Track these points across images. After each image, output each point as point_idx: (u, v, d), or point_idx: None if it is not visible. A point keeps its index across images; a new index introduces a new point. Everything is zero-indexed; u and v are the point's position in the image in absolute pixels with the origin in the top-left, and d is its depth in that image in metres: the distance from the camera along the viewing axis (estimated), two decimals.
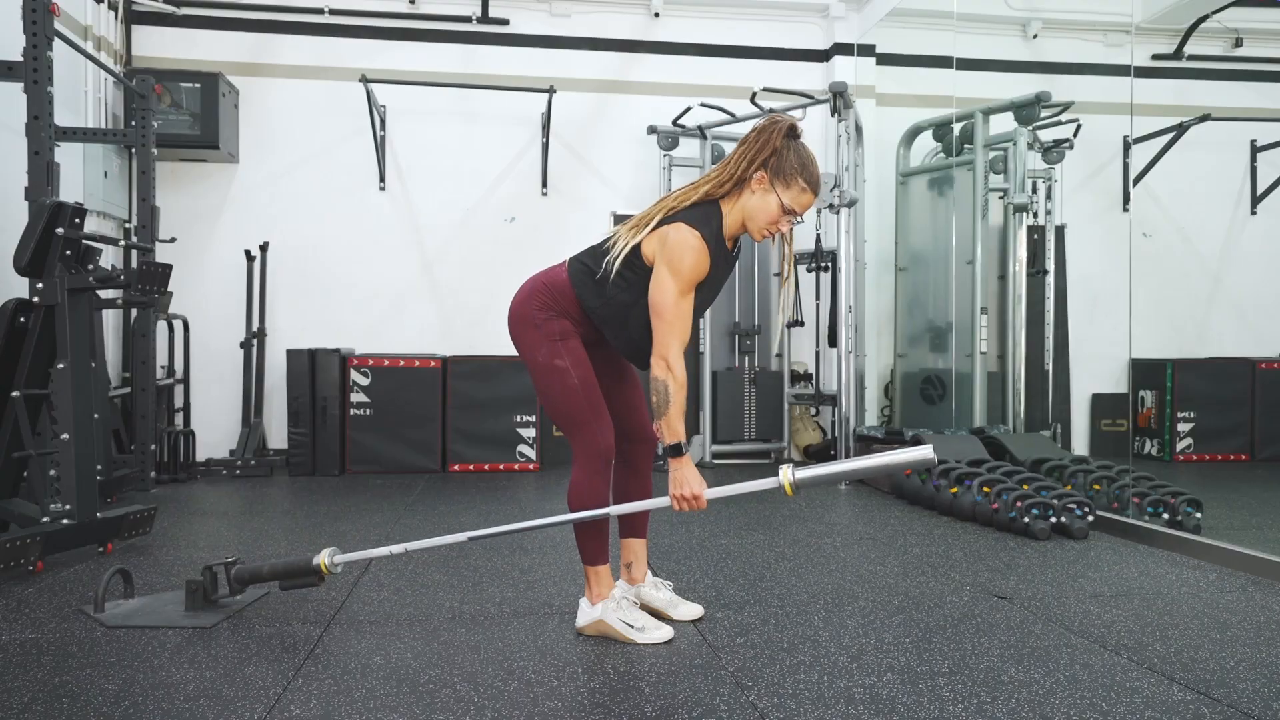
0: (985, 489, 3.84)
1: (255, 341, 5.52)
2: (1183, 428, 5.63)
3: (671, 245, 2.19)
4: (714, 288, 2.35)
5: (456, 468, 5.41)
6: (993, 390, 5.24)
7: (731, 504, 4.36)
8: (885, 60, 6.22)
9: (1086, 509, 3.64)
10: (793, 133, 2.26)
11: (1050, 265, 5.47)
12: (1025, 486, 3.79)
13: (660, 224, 2.24)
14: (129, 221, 5.37)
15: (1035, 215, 5.43)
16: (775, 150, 2.23)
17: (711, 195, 2.28)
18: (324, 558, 2.45)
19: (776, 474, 2.20)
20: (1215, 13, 5.31)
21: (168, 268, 3.34)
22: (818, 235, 5.60)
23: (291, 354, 5.29)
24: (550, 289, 2.34)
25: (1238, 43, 5.55)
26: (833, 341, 5.32)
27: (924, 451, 2.12)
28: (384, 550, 2.45)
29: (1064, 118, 5.49)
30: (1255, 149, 5.54)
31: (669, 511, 4.09)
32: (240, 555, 2.65)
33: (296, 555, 2.66)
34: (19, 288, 3.32)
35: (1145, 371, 5.75)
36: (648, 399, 2.33)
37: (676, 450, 2.22)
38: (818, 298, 5.75)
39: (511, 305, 2.39)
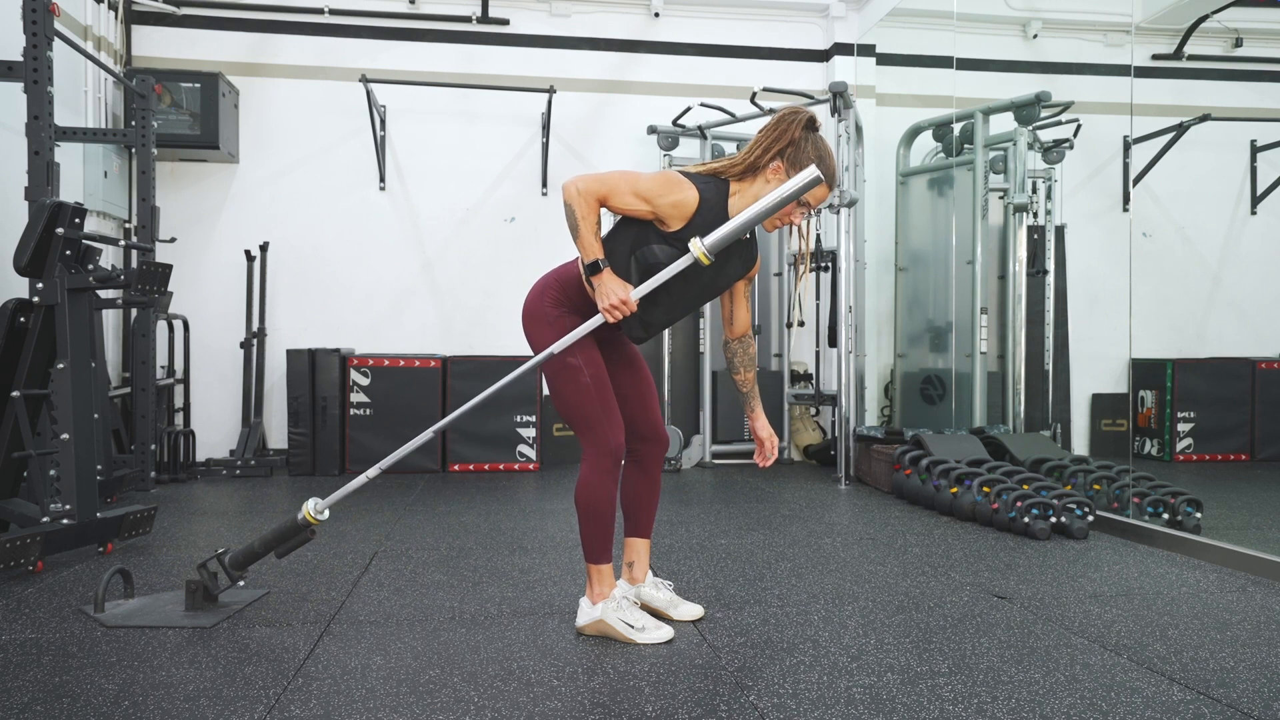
0: (985, 489, 3.84)
1: (255, 341, 5.52)
2: (1183, 428, 5.63)
3: (661, 172, 2.22)
4: (712, 270, 2.32)
5: (456, 468, 5.41)
6: (993, 390, 5.24)
7: (731, 504, 4.36)
8: (885, 60, 6.22)
9: (1086, 509, 3.64)
10: (812, 125, 2.27)
11: (1050, 265, 5.47)
12: (1025, 486, 3.79)
13: None
14: (129, 221, 5.38)
15: (1035, 215, 5.43)
16: (793, 141, 2.24)
17: (721, 172, 2.29)
18: (308, 510, 2.42)
19: (689, 251, 2.21)
20: (1215, 13, 5.30)
21: (168, 268, 3.33)
22: (818, 235, 5.60)
23: (291, 354, 5.29)
24: (562, 285, 2.36)
25: (1238, 43, 5.55)
26: (833, 341, 5.32)
27: (808, 172, 2.17)
28: (361, 479, 2.43)
29: (1064, 118, 5.48)
30: (1255, 149, 5.54)
31: (669, 511, 4.10)
32: (228, 545, 2.64)
33: (280, 521, 2.64)
34: (19, 288, 3.33)
35: (1145, 371, 5.75)
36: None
37: (595, 268, 2.22)
38: (818, 298, 5.75)
39: (525, 302, 2.41)
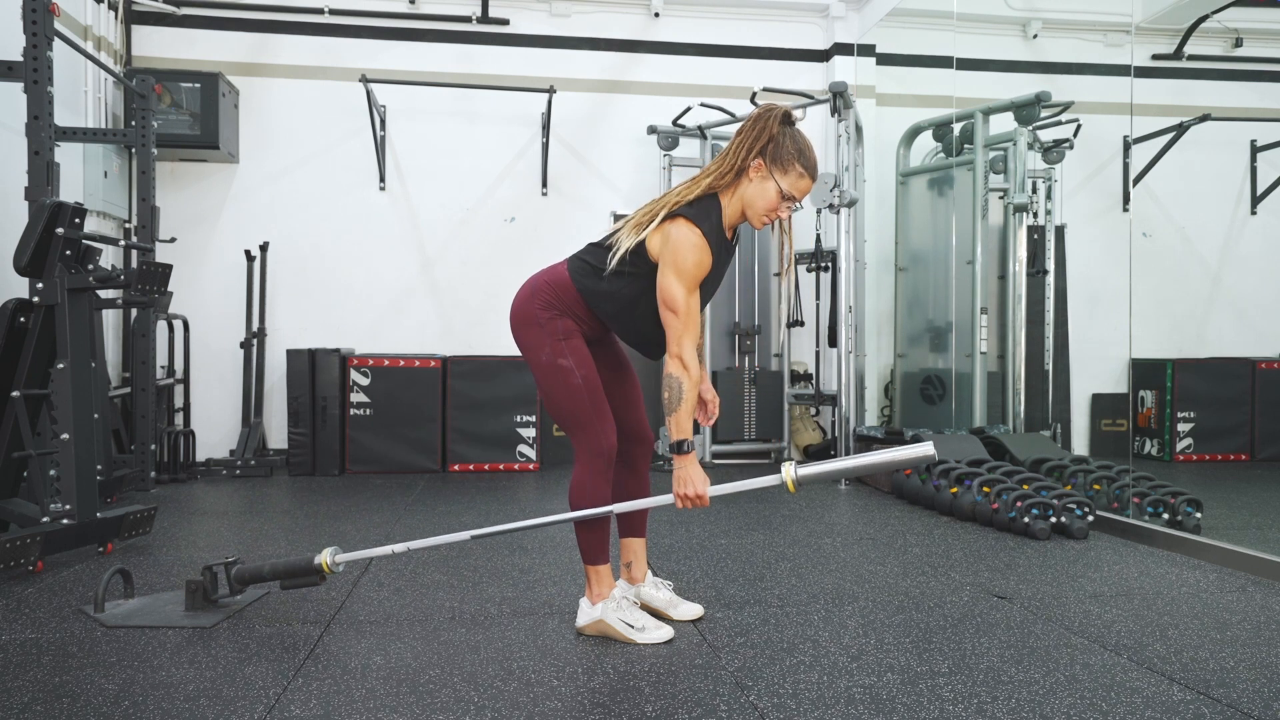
0: (985, 489, 3.84)
1: (255, 341, 5.52)
2: (1183, 428, 5.63)
3: (675, 244, 2.20)
4: (716, 279, 2.35)
5: (456, 468, 5.41)
6: (993, 390, 5.24)
7: (731, 504, 4.36)
8: (885, 60, 6.22)
9: (1086, 509, 3.64)
10: (788, 119, 2.27)
11: (1050, 265, 5.47)
12: (1025, 486, 3.79)
13: (664, 220, 2.25)
14: (129, 221, 5.38)
15: (1035, 215, 5.43)
16: (772, 137, 2.24)
17: (713, 189, 2.28)
18: (325, 557, 2.45)
19: (779, 471, 2.20)
20: (1215, 13, 5.30)
21: (168, 268, 3.33)
22: (818, 235, 5.60)
23: (291, 354, 5.29)
24: (552, 287, 2.34)
25: (1238, 43, 5.55)
26: (833, 341, 5.32)
27: (925, 448, 2.12)
28: (385, 549, 2.45)
29: (1064, 118, 5.48)
30: (1255, 149, 5.54)
31: (669, 511, 4.10)
32: (240, 555, 2.65)
33: (297, 555, 2.65)
34: (19, 288, 3.32)
35: (1145, 371, 5.75)
36: (658, 394, 2.33)
37: (680, 447, 2.22)
38: (818, 298, 5.75)
39: (513, 305, 2.39)
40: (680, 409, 2.19)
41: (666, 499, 2.27)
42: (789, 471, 2.18)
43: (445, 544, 2.47)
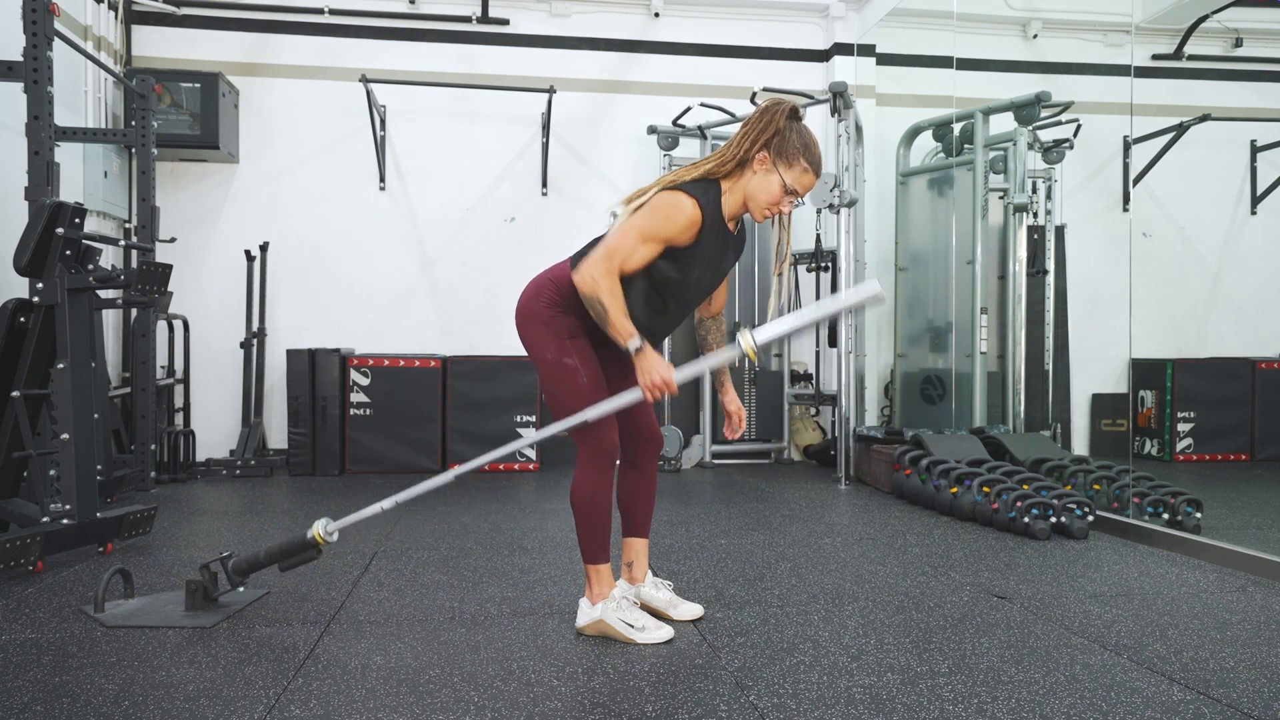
0: (985, 489, 3.84)
1: (255, 341, 5.52)
2: (1183, 428, 5.63)
3: (658, 201, 2.21)
4: (714, 269, 2.34)
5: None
6: (993, 390, 5.24)
7: (731, 504, 4.36)
8: (885, 60, 6.22)
9: (1086, 509, 3.64)
10: (795, 114, 2.27)
11: (1050, 265, 5.47)
12: (1025, 486, 3.79)
13: (658, 193, 2.25)
14: (129, 221, 5.38)
15: (1035, 215, 5.43)
16: (778, 131, 2.24)
17: (712, 174, 2.28)
18: (318, 529, 2.44)
19: (738, 343, 2.19)
20: (1215, 13, 5.31)
21: (168, 268, 3.33)
22: (818, 235, 5.60)
23: (291, 354, 5.29)
24: (556, 285, 2.35)
25: (1238, 43, 5.55)
26: (833, 341, 5.32)
27: (872, 285, 2.17)
28: (374, 508, 2.43)
29: (1064, 118, 5.48)
30: (1255, 149, 5.54)
31: (670, 511, 4.10)
32: (234, 550, 2.65)
33: (289, 535, 2.65)
34: (19, 288, 3.32)
35: (1145, 371, 5.75)
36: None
37: (633, 345, 2.19)
38: (818, 298, 5.75)
39: (519, 303, 2.40)
40: (610, 318, 2.17)
41: (635, 394, 2.23)
42: (746, 340, 2.18)
43: (431, 489, 2.47)
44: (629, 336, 2.18)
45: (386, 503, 2.44)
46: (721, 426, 5.88)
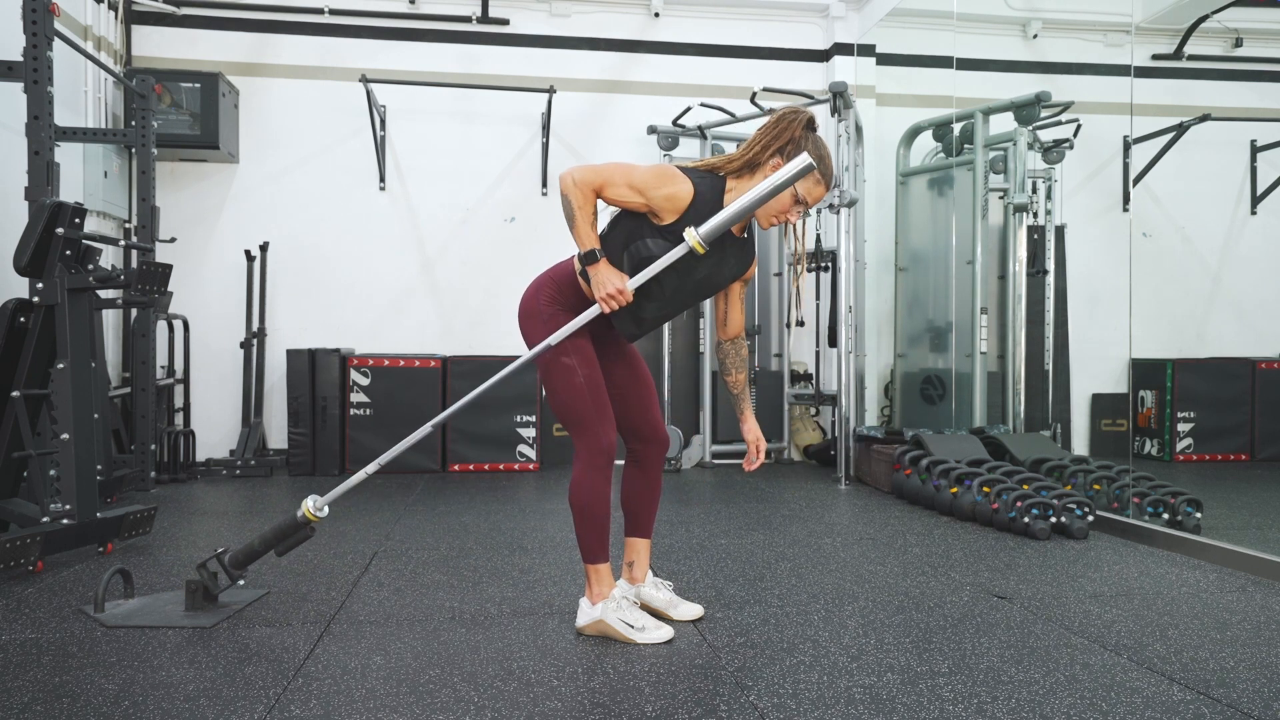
0: (985, 489, 3.84)
1: (255, 341, 5.52)
2: (1183, 428, 5.63)
3: (657, 165, 2.26)
4: (719, 272, 2.33)
5: (456, 468, 5.41)
6: (993, 390, 5.24)
7: (731, 504, 4.36)
8: (885, 60, 6.22)
9: (1086, 509, 3.64)
10: (812, 125, 2.28)
11: (1050, 265, 5.47)
12: (1025, 486, 3.79)
13: None
14: (129, 221, 5.38)
15: (1035, 215, 5.43)
16: (793, 139, 2.25)
17: (718, 168, 2.30)
18: (308, 507, 2.44)
19: (686, 240, 2.20)
20: (1215, 13, 5.31)
21: (168, 268, 3.33)
22: (818, 235, 5.60)
23: (291, 354, 5.29)
24: (556, 283, 2.37)
25: (1238, 43, 5.55)
26: (833, 341, 5.32)
27: (802, 159, 2.16)
28: (359, 476, 2.46)
29: (1064, 118, 5.48)
30: (1255, 149, 5.54)
31: (670, 512, 4.10)
32: (227, 545, 2.65)
33: (281, 518, 2.65)
34: (19, 288, 3.33)
35: (1145, 371, 5.75)
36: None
37: (591, 257, 2.24)
38: (818, 298, 5.75)
39: (521, 300, 2.42)
40: (576, 223, 2.23)
41: (594, 311, 2.27)
42: (691, 234, 2.19)
43: (415, 442, 2.51)
44: (588, 244, 2.23)
45: (371, 468, 2.46)
46: (721, 426, 5.92)
